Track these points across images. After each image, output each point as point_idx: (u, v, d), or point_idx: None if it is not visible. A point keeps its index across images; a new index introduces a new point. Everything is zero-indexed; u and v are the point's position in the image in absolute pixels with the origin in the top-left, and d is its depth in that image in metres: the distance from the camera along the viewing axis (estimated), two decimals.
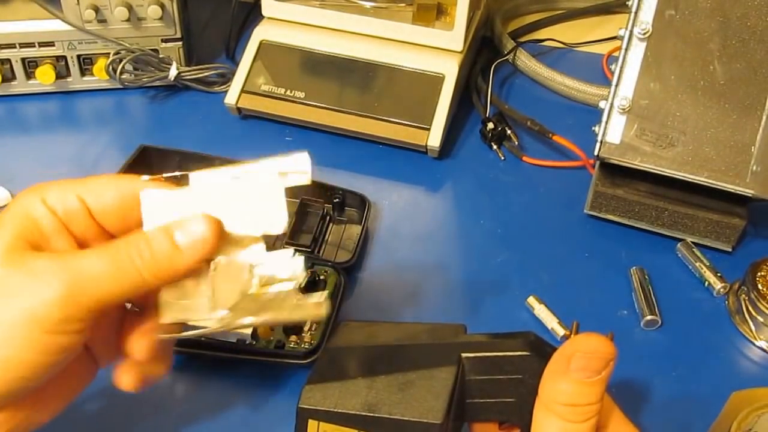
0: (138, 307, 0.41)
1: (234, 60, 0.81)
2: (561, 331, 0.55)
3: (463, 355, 0.36)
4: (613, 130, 0.60)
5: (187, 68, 0.76)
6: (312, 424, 0.35)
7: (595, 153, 0.61)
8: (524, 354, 0.36)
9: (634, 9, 0.59)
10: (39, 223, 0.38)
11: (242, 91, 0.72)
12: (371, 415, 0.35)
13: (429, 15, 0.73)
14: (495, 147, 0.72)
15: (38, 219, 0.38)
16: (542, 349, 0.36)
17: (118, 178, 0.40)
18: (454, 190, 0.69)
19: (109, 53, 0.73)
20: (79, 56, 0.73)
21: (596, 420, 0.34)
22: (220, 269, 0.38)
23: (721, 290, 0.59)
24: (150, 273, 0.36)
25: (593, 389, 0.34)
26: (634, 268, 0.60)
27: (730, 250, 0.62)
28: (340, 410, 0.35)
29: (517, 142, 0.72)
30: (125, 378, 0.40)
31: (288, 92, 0.72)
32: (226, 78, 0.77)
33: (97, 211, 0.39)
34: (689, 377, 0.54)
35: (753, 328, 0.57)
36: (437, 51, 0.72)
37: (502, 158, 0.72)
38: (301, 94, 0.71)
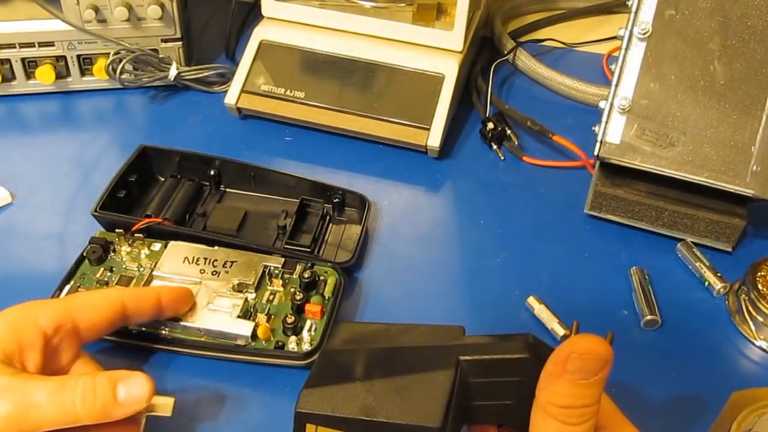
0: None
1: (234, 60, 0.81)
2: (561, 331, 0.55)
3: (462, 358, 0.36)
4: (613, 130, 0.60)
5: (187, 68, 0.76)
6: (310, 428, 0.35)
7: (595, 153, 0.60)
8: (523, 356, 0.36)
9: (634, 9, 0.59)
10: (23, 342, 0.42)
11: (242, 91, 0.72)
12: (369, 419, 0.35)
13: (429, 15, 0.73)
14: (495, 147, 0.72)
15: (24, 339, 0.42)
16: (541, 351, 0.36)
17: (106, 296, 0.47)
18: (454, 190, 0.69)
19: (109, 53, 0.73)
20: (79, 56, 0.74)
21: (594, 422, 0.34)
22: None
23: (721, 290, 0.59)
24: (86, 414, 0.41)
25: (590, 391, 0.34)
26: (634, 268, 0.60)
27: (730, 250, 0.62)
28: (337, 414, 0.35)
29: (517, 142, 0.72)
30: None
31: (288, 92, 0.72)
32: (226, 78, 0.77)
33: (83, 330, 0.45)
34: (689, 377, 0.54)
35: (753, 328, 0.57)
36: (437, 51, 0.72)
37: (502, 158, 0.71)
38: (301, 94, 0.71)
